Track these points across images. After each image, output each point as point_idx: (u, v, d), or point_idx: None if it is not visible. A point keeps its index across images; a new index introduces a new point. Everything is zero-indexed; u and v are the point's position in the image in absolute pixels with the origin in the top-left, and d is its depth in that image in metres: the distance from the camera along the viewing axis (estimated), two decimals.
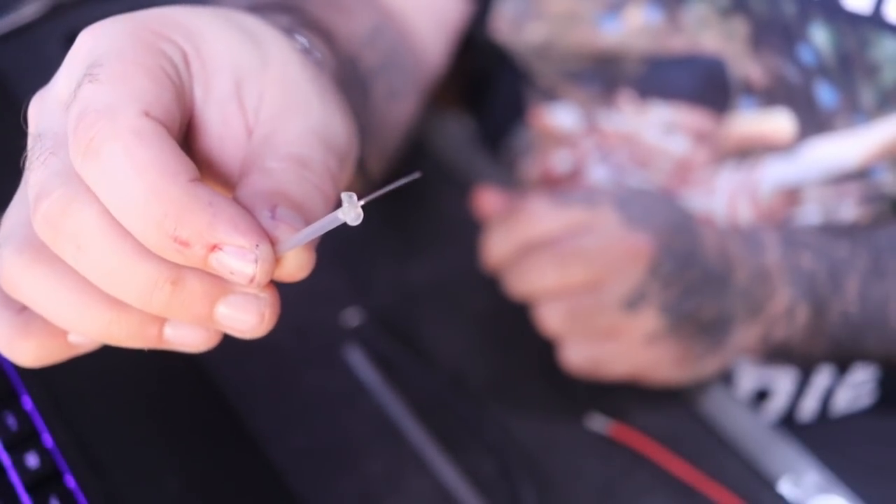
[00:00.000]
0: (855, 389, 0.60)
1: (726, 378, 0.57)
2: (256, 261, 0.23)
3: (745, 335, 0.46)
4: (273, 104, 0.28)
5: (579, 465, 0.45)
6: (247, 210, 0.24)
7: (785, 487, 0.41)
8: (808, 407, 0.59)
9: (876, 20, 0.48)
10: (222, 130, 0.27)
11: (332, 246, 0.51)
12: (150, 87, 0.24)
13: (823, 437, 0.54)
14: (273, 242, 0.24)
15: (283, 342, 0.47)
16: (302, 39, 0.33)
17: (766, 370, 0.57)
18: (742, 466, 0.45)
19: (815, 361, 0.54)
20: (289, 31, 0.32)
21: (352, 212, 0.22)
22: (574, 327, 0.44)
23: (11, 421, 0.38)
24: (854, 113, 0.50)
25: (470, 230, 0.50)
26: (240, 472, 0.41)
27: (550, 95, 0.57)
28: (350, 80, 0.41)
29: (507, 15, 0.55)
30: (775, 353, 0.48)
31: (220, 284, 0.24)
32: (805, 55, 0.49)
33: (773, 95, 0.51)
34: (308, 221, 0.25)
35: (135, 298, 0.24)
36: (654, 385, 0.46)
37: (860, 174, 0.52)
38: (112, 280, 0.24)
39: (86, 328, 0.25)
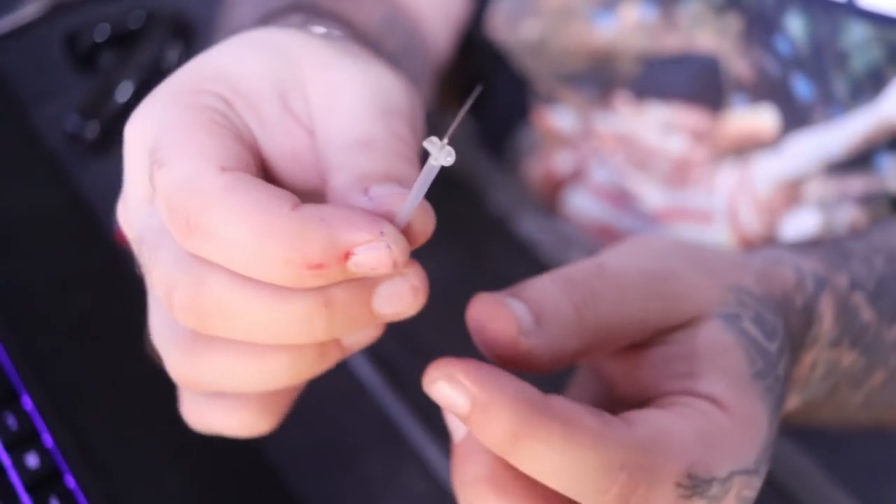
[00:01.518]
0: None
1: None
2: (389, 246, 0.23)
3: None
4: (318, 98, 0.27)
5: None
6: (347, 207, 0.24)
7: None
8: None
9: (850, 7, 0.48)
10: (291, 148, 0.27)
11: None
12: (212, 143, 0.24)
13: (825, 438, 0.54)
14: (390, 220, 0.24)
15: None
16: (318, 28, 0.33)
17: None
18: None
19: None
20: (303, 26, 0.32)
21: (442, 154, 0.23)
22: None
23: (11, 421, 0.38)
24: (829, 105, 0.50)
25: (470, 230, 0.50)
26: (240, 472, 0.41)
27: (547, 99, 0.57)
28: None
29: (503, 12, 0.55)
30: None
31: (365, 283, 0.24)
32: (782, 46, 0.49)
33: (758, 91, 0.51)
34: (402, 184, 0.25)
35: (301, 337, 0.24)
36: None
37: (861, 164, 0.52)
38: (273, 332, 0.23)
39: (274, 383, 0.25)
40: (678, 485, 0.25)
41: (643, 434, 0.25)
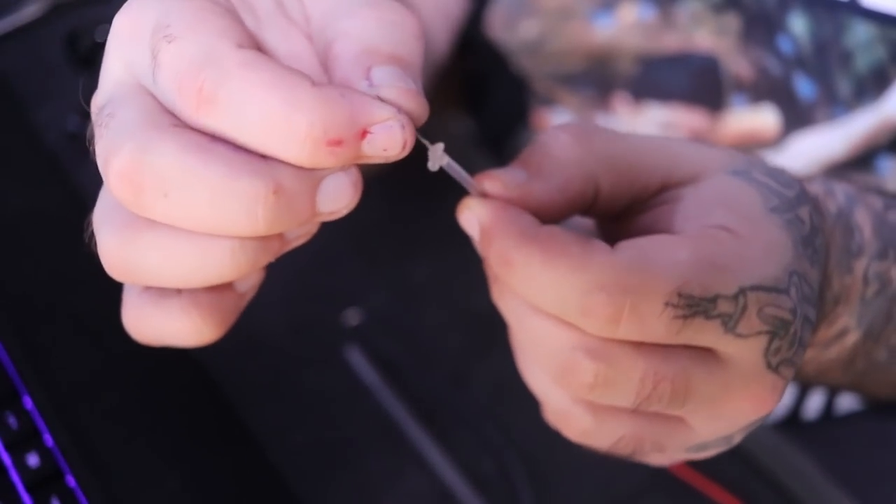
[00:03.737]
0: None
1: None
2: (403, 126, 0.23)
3: None
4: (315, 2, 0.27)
5: (579, 465, 0.45)
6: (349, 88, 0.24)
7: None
8: (813, 406, 0.59)
9: (853, 6, 0.48)
10: (289, 50, 0.27)
11: (333, 246, 0.51)
12: (226, 24, 0.24)
13: (825, 438, 0.54)
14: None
15: (283, 342, 0.47)
16: None
17: None
18: (742, 466, 0.45)
19: (832, 387, 0.51)
20: None
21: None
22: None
23: (12, 421, 0.38)
24: (833, 105, 0.50)
25: None
26: (240, 472, 0.41)
27: (546, 101, 0.57)
28: None
29: (501, 12, 0.55)
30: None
31: (313, 175, 0.23)
32: (784, 46, 0.49)
33: (759, 90, 0.51)
34: (405, 67, 0.25)
35: (240, 227, 0.23)
36: None
37: (861, 165, 0.52)
38: (211, 218, 0.22)
39: (215, 275, 0.24)
40: (668, 304, 0.26)
41: (627, 256, 0.26)
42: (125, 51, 0.25)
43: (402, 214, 0.54)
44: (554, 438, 0.46)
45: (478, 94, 0.65)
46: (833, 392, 0.59)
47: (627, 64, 0.53)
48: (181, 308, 0.26)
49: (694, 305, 0.26)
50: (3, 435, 0.38)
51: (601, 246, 0.27)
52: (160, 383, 0.43)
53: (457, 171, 0.27)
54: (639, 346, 0.27)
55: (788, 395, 0.59)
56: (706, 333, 0.27)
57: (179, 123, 0.23)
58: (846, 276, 0.34)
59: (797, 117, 0.51)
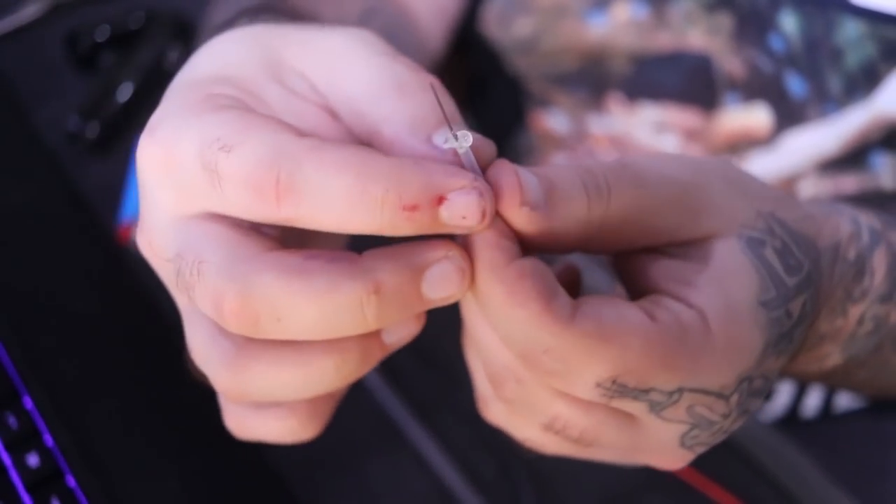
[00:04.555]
0: None
1: None
2: (482, 193, 0.24)
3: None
4: (316, 69, 0.27)
5: (579, 464, 0.45)
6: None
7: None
8: (811, 404, 0.59)
9: (842, 3, 0.48)
10: (306, 127, 0.27)
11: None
12: (271, 122, 0.24)
13: (824, 437, 0.55)
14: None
15: None
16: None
17: None
18: (742, 466, 0.45)
19: (804, 380, 0.50)
20: (259, 8, 0.33)
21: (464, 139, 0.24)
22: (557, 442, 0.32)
23: (12, 421, 0.38)
24: (824, 102, 0.50)
25: None
26: (240, 472, 0.41)
27: (541, 101, 0.57)
28: None
29: (496, 10, 0.55)
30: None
31: (413, 267, 0.24)
32: (776, 44, 0.50)
33: (751, 89, 0.51)
34: (455, 120, 0.26)
35: (352, 327, 0.24)
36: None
37: (855, 163, 0.52)
38: (325, 325, 0.23)
39: (320, 388, 0.25)
40: (600, 385, 0.26)
41: (581, 329, 0.25)
42: (171, 180, 0.25)
43: None
44: None
45: (477, 93, 0.65)
46: (832, 391, 0.59)
47: (621, 63, 0.53)
48: (279, 417, 0.28)
49: (626, 392, 0.26)
50: (3, 435, 0.38)
51: (562, 304, 0.25)
52: (160, 383, 0.43)
53: (471, 163, 0.26)
54: (562, 392, 0.28)
55: (787, 394, 0.59)
56: (630, 408, 0.27)
57: (266, 247, 0.24)
58: (838, 319, 0.34)
59: (789, 115, 0.51)
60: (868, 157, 0.52)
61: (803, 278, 0.29)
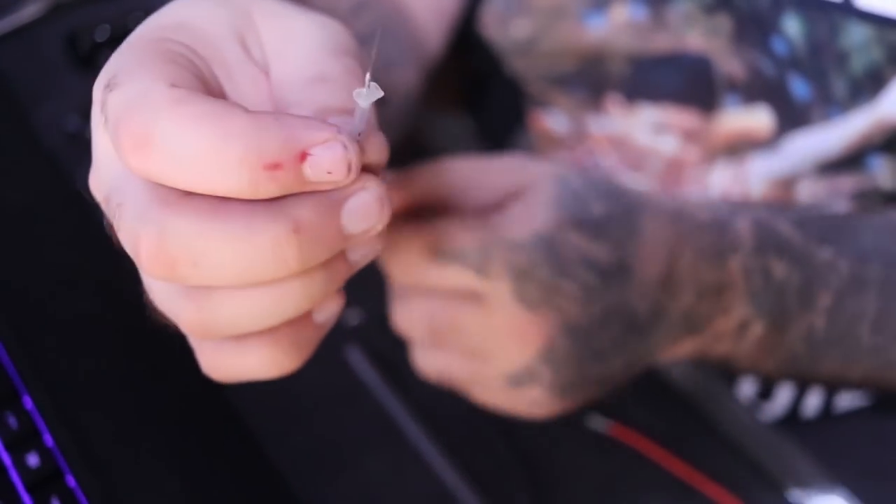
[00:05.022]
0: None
1: (728, 377, 0.57)
2: (345, 145, 0.23)
3: (675, 349, 0.40)
4: (272, 43, 0.27)
5: (579, 464, 0.45)
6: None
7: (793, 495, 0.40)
8: (812, 404, 0.59)
9: (846, 7, 0.48)
10: (255, 93, 0.27)
11: None
12: (166, 67, 0.24)
13: (824, 438, 0.55)
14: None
15: None
16: None
17: None
18: (742, 466, 0.45)
19: (766, 375, 0.50)
20: None
21: (371, 95, 0.23)
22: (436, 343, 0.38)
23: (12, 421, 0.38)
24: (828, 105, 0.50)
25: None
26: (240, 472, 0.41)
27: (540, 102, 0.57)
28: None
29: (494, 11, 0.55)
30: (716, 364, 0.43)
31: (332, 202, 0.24)
32: (778, 47, 0.49)
33: (752, 91, 0.51)
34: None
35: (274, 271, 0.23)
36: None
37: (853, 164, 0.52)
38: (244, 272, 0.23)
39: (291, 311, 0.24)
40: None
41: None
42: (97, 119, 0.25)
43: None
44: (554, 438, 0.46)
45: (478, 93, 0.65)
46: (831, 390, 0.59)
47: (619, 64, 0.53)
48: (260, 346, 0.26)
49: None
50: (3, 435, 0.38)
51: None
52: (160, 383, 0.43)
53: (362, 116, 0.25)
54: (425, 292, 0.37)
55: (787, 394, 0.59)
56: (460, 277, 0.35)
57: (188, 192, 0.23)
58: (719, 270, 0.39)
59: (792, 117, 0.51)
60: (865, 159, 0.52)
61: (613, 198, 0.37)
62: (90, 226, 0.50)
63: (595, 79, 0.54)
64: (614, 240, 0.37)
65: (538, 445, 0.45)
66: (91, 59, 0.59)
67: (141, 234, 0.23)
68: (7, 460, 0.37)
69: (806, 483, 0.44)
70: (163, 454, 0.41)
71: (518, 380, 0.37)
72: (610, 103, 0.55)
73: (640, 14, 0.51)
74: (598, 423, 0.46)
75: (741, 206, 0.41)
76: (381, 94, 0.23)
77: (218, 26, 0.27)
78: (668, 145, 0.54)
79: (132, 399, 0.43)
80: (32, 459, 0.37)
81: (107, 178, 0.25)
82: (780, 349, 0.42)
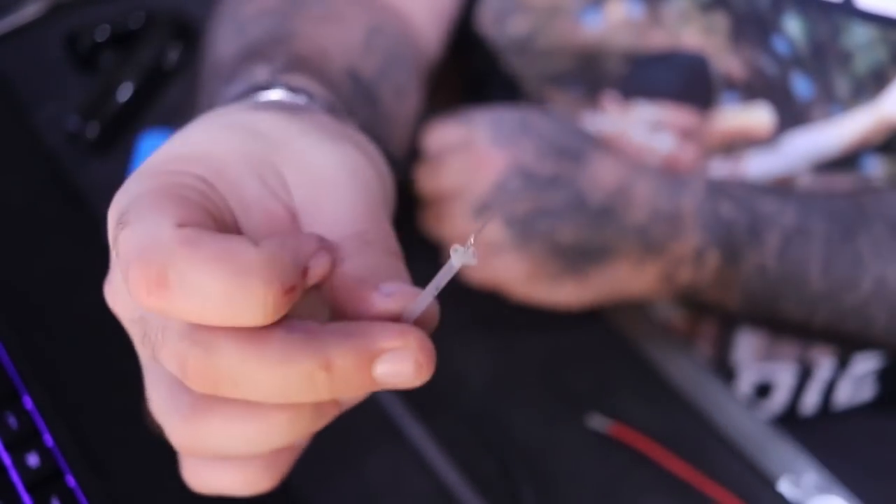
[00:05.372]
0: (856, 383, 0.60)
1: (726, 373, 0.57)
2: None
3: (639, 272, 0.47)
4: (299, 187, 0.27)
5: (579, 464, 0.45)
6: (359, 294, 0.24)
7: (784, 487, 0.41)
8: (810, 401, 0.59)
9: (847, 8, 0.48)
10: (270, 226, 0.27)
11: None
12: (175, 207, 0.24)
13: (823, 436, 0.55)
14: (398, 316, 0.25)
15: None
16: (280, 92, 0.33)
17: (766, 364, 0.57)
18: (741, 465, 0.45)
19: (732, 314, 0.53)
20: (270, 83, 0.33)
21: (466, 256, 0.23)
22: (441, 228, 0.49)
23: (12, 421, 0.38)
24: (830, 103, 0.50)
25: None
26: None
27: (537, 100, 0.57)
28: (353, 97, 0.41)
29: (491, 9, 0.55)
30: (684, 297, 0.49)
31: (367, 353, 0.24)
32: (780, 46, 0.50)
33: (752, 89, 0.51)
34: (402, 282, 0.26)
35: (301, 396, 0.24)
36: (518, 298, 0.48)
37: (848, 164, 0.52)
38: (279, 391, 0.24)
39: (274, 443, 0.25)
40: None
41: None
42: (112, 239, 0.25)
43: (402, 214, 0.54)
44: (554, 438, 0.46)
45: (474, 92, 0.65)
46: (830, 388, 0.59)
47: (616, 62, 0.53)
48: (241, 468, 0.28)
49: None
50: (3, 435, 0.38)
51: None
52: None
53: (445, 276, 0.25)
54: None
55: (785, 392, 0.59)
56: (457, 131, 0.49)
57: None
58: (670, 204, 0.47)
59: (793, 116, 0.51)
60: (859, 159, 0.52)
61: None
62: (90, 226, 0.50)
63: (592, 76, 0.54)
64: (572, 151, 0.48)
65: (538, 445, 0.45)
66: (91, 59, 0.59)
67: (188, 355, 0.23)
68: (7, 460, 0.37)
69: (805, 482, 0.44)
70: (163, 454, 0.41)
71: (478, 209, 0.47)
72: (607, 101, 0.55)
73: (636, 11, 0.51)
74: (598, 423, 0.46)
75: (693, 172, 0.48)
76: (474, 262, 0.23)
77: (238, 158, 0.27)
78: (664, 143, 0.54)
79: (132, 399, 0.43)
80: (32, 459, 0.37)
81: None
82: (738, 284, 0.48)
